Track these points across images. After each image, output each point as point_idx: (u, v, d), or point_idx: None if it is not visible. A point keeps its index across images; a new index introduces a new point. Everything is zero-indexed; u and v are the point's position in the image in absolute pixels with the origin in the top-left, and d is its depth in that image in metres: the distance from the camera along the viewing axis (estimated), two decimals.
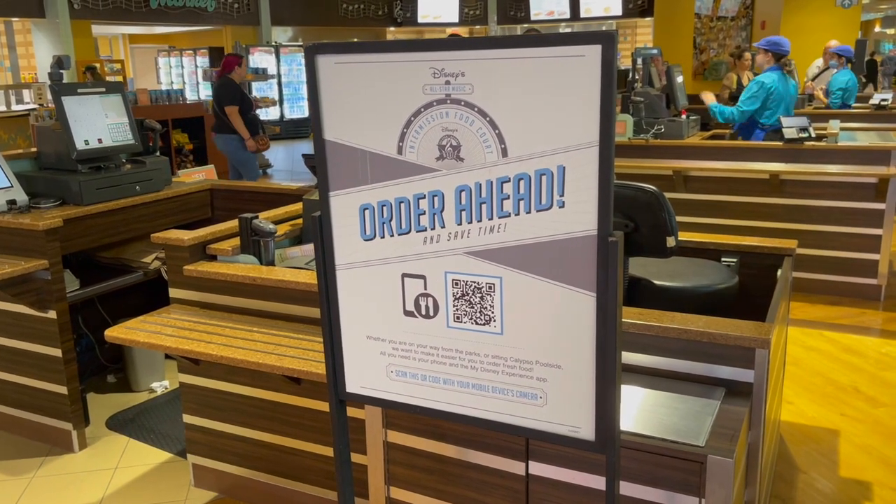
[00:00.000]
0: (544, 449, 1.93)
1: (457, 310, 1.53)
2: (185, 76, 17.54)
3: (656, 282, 2.58)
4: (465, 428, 2.02)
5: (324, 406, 2.65)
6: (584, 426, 1.47)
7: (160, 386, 3.98)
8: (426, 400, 1.62)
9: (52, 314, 3.23)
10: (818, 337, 4.47)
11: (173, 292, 2.91)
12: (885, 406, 3.59)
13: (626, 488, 1.84)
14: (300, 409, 2.72)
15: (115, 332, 2.62)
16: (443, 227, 1.49)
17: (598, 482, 1.88)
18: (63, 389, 3.33)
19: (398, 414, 2.12)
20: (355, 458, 2.32)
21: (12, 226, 3.19)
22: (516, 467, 1.99)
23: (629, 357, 2.11)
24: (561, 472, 1.92)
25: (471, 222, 1.46)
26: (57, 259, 3.20)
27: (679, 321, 2.05)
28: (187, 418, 3.01)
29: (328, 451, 2.70)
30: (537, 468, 1.96)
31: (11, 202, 3.33)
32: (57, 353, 3.28)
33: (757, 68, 5.91)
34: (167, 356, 3.99)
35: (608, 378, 1.40)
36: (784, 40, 5.64)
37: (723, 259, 2.88)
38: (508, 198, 1.41)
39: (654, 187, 2.36)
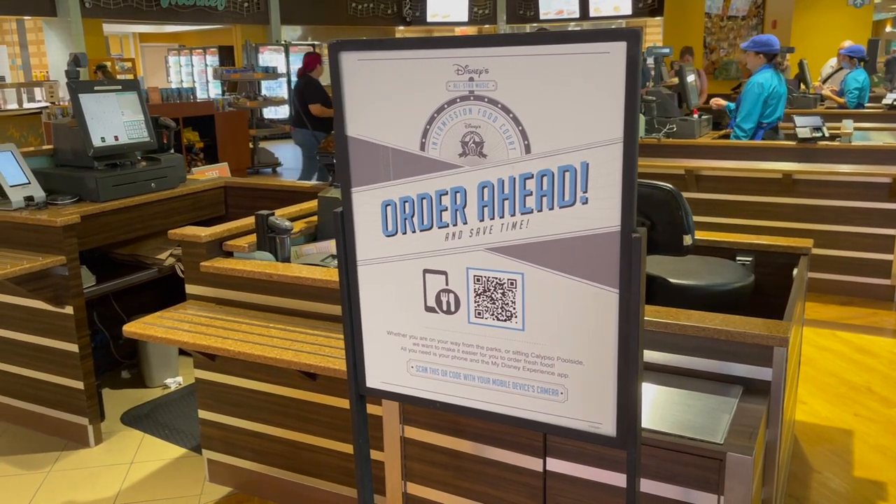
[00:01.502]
0: (562, 445, 1.94)
1: (478, 306, 1.53)
2: (194, 75, 17.60)
3: (672, 280, 2.58)
4: (483, 424, 2.03)
5: (340, 402, 2.67)
6: (605, 422, 1.47)
7: (174, 382, 4.00)
8: (447, 395, 1.63)
9: (68, 310, 3.26)
10: (831, 337, 4.45)
11: (189, 288, 2.93)
12: None
13: (645, 485, 1.84)
14: (316, 405, 2.73)
15: (132, 328, 2.64)
16: (465, 223, 1.49)
17: (615, 478, 1.89)
18: (79, 385, 3.35)
19: (415, 409, 2.14)
20: (371, 454, 2.34)
21: (30, 222, 3.22)
22: (534, 463, 1.99)
23: (646, 354, 2.11)
24: (578, 468, 1.93)
25: (493, 218, 1.46)
26: (74, 255, 3.23)
27: (697, 319, 2.05)
28: (202, 414, 3.02)
29: (343, 447, 2.71)
30: (555, 464, 1.96)
31: (29, 199, 3.35)
32: (73, 348, 3.30)
33: (748, 70, 5.82)
34: (181, 352, 4.01)
35: (630, 374, 1.41)
36: (772, 39, 5.57)
37: (738, 258, 2.88)
38: (531, 194, 1.41)
39: (670, 185, 2.37)
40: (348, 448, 2.68)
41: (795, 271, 2.67)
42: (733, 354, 2.02)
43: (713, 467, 1.75)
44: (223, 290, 2.86)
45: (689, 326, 2.04)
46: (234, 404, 2.93)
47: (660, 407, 1.93)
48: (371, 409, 2.38)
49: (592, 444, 1.84)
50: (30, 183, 3.41)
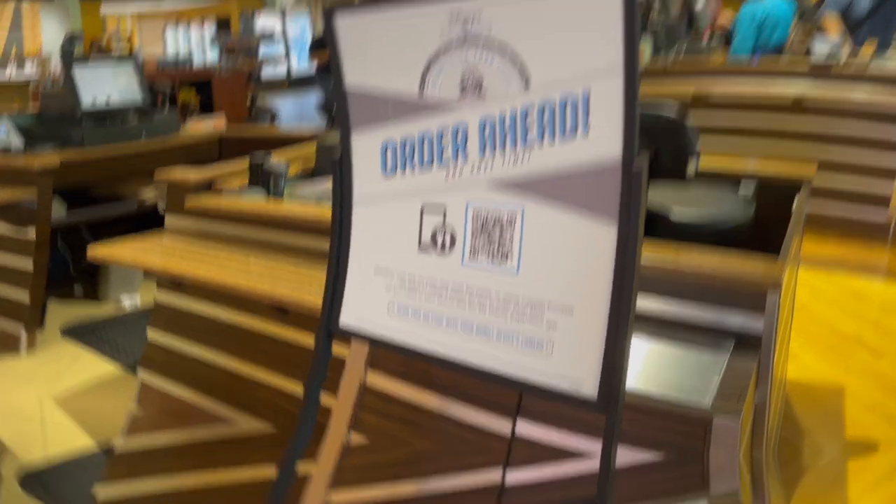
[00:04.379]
0: (536, 407, 1.84)
1: (474, 245, 1.48)
2: (191, 44, 17.16)
3: (671, 213, 2.46)
4: (454, 379, 1.91)
5: (307, 342, 2.43)
6: (587, 381, 1.38)
7: (130, 301, 3.82)
8: (423, 339, 1.55)
9: (31, 234, 3.14)
10: (825, 279, 4.31)
11: (169, 221, 2.75)
12: (887, 357, 3.52)
13: (622, 450, 1.72)
14: (278, 342, 2.49)
15: (97, 250, 2.53)
16: (465, 159, 1.45)
17: (590, 445, 1.79)
18: (25, 295, 3.22)
19: (384, 355, 2.02)
20: (322, 399, 1.92)
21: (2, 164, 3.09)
22: (503, 426, 1.89)
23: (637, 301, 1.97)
24: (551, 433, 1.82)
25: (494, 154, 1.42)
26: (47, 190, 3.10)
27: (694, 259, 1.94)
28: (151, 333, 2.77)
29: (291, 387, 2.46)
30: (525, 428, 1.86)
31: (6, 149, 3.24)
32: (28, 265, 3.18)
33: None
34: (146, 275, 3.82)
35: (621, 321, 1.33)
36: None
37: (742, 183, 2.77)
38: (532, 127, 1.36)
39: (676, 107, 2.27)
40: (295, 388, 2.44)
41: (795, 203, 2.56)
42: (724, 298, 1.88)
43: (698, 434, 1.64)
44: (205, 221, 2.67)
45: (685, 271, 1.93)
46: (188, 328, 2.70)
47: (646, 364, 1.82)
48: (339, 353, 2.20)
49: (569, 408, 1.67)
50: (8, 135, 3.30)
